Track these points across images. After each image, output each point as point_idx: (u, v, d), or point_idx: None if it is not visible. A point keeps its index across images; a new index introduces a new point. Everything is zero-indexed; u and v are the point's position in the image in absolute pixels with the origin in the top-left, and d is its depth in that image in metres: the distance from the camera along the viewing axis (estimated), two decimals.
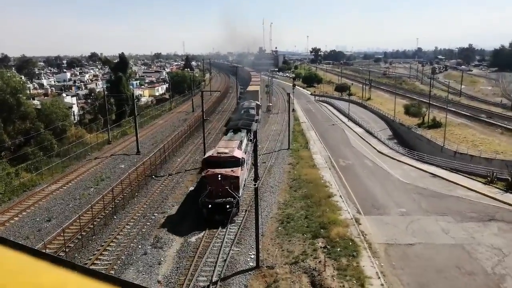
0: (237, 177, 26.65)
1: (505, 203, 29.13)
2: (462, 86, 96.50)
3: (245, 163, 30.73)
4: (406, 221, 26.32)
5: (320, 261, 20.81)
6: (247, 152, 33.09)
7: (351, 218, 26.39)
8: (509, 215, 27.18)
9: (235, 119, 44.88)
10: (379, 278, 19.45)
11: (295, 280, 19.62)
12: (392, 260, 21.36)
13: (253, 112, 52.27)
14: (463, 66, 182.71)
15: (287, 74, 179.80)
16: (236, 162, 27.76)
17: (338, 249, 22.05)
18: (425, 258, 21.51)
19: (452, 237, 23.94)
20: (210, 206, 25.59)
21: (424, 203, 29.55)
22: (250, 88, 77.64)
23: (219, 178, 25.88)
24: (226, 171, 26.61)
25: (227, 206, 25.59)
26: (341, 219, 26.17)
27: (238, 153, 28.88)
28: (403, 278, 19.66)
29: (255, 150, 21.44)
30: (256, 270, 20.61)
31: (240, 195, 27.38)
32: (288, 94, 58.95)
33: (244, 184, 30.58)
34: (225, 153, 28.37)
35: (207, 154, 29.72)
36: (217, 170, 26.47)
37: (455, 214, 27.18)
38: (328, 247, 22.40)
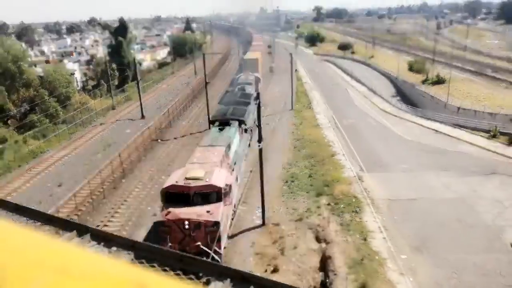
0: (217, 223, 16.46)
1: (507, 156, 29.42)
2: (468, 41, 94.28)
3: (232, 190, 19.87)
4: (408, 177, 26.78)
5: (324, 218, 21.48)
6: (237, 164, 24.16)
7: (354, 176, 26.88)
8: (511, 168, 27.53)
9: (225, 103, 34.08)
10: (381, 232, 20.13)
11: (300, 235, 20.35)
12: (394, 215, 21.99)
13: (250, 90, 39.89)
14: (469, 20, 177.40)
15: (289, 34, 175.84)
16: (215, 195, 17.45)
17: (342, 206, 22.68)
18: (427, 212, 22.10)
19: (453, 191, 24.45)
20: None
21: (427, 159, 29.89)
22: (248, 55, 62.12)
23: (186, 227, 16.19)
24: (199, 212, 16.59)
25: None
26: (344, 177, 26.66)
27: (220, 177, 18.24)
28: (404, 232, 20.33)
29: (258, 111, 21.54)
30: (263, 228, 21.35)
31: (222, 249, 17.28)
32: (291, 54, 58.10)
33: (231, 224, 20.74)
34: (198, 178, 17.52)
35: (168, 182, 18.04)
36: (183, 212, 16.51)
37: (457, 169, 27.56)
38: (332, 204, 23.01)
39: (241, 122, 28.26)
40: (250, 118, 31.04)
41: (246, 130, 29.61)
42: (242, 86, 41.03)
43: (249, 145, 31.21)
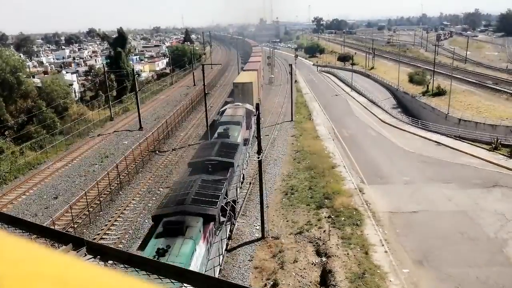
0: None
1: (509, 169, 29.09)
2: (468, 52, 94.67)
3: None
4: (410, 189, 26.43)
5: (324, 231, 21.08)
6: None
7: (355, 188, 26.53)
8: None
9: (192, 169, 22.88)
10: (382, 245, 19.72)
11: (300, 249, 19.93)
12: (396, 228, 21.59)
13: (237, 136, 29.14)
14: (468, 32, 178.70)
15: (289, 45, 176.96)
16: None
17: (342, 219, 22.29)
18: (429, 225, 21.71)
19: (455, 204, 24.08)
20: None
21: (428, 171, 29.57)
22: (241, 77, 46.40)
23: None
24: None
25: None
26: (345, 189, 26.31)
27: None
28: (406, 245, 19.92)
29: (258, 123, 21.28)
30: (262, 241, 20.94)
31: None
32: (290, 65, 58.17)
33: None
34: None
35: None
36: None
37: (459, 181, 27.23)
38: (333, 216, 22.62)
39: (209, 219, 16.36)
40: (232, 197, 21.36)
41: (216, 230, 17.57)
42: (226, 130, 28.84)
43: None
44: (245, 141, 31.52)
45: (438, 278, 17.38)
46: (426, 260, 18.64)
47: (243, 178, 27.42)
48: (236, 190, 23.64)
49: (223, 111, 35.86)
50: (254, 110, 32.96)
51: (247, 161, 30.06)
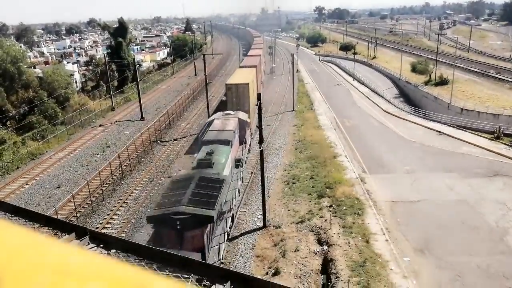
0: None
1: (511, 158, 29.05)
2: (471, 41, 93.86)
3: None
4: (411, 178, 26.44)
5: (326, 220, 21.16)
6: None
7: (357, 178, 26.56)
8: None
9: (155, 220, 15.90)
10: (383, 234, 19.80)
11: (301, 238, 20.04)
12: (397, 217, 21.65)
13: (223, 163, 21.31)
14: (472, 21, 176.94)
15: (290, 34, 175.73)
16: None
17: (344, 208, 22.35)
18: (430, 214, 21.76)
19: (457, 193, 24.11)
20: None
21: (430, 160, 29.55)
22: (235, 77, 38.38)
23: None
24: None
25: None
26: (347, 178, 26.35)
27: None
28: (407, 234, 19.99)
29: (259, 113, 21.24)
30: (263, 230, 21.05)
31: None
32: (292, 55, 57.82)
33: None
34: None
35: None
36: None
37: (460, 171, 27.22)
38: (334, 206, 22.69)
39: None
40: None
41: None
42: (209, 154, 21.18)
43: None
44: (237, 162, 24.61)
45: (438, 266, 17.48)
46: (427, 249, 18.73)
47: (232, 221, 20.88)
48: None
49: (210, 123, 27.42)
50: (248, 120, 29.94)
51: (239, 191, 23.52)
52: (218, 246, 17.23)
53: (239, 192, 23.83)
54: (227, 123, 26.85)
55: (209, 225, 15.93)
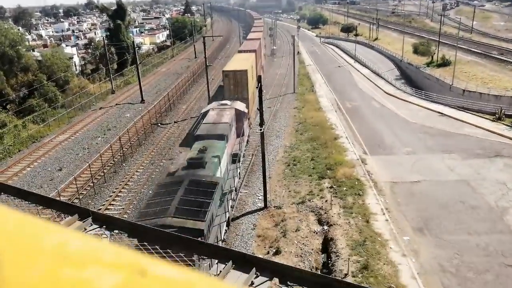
0: None
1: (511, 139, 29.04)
2: (474, 22, 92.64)
3: None
4: (412, 159, 26.50)
5: (326, 200, 21.31)
6: None
7: (357, 159, 26.62)
8: None
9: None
10: (383, 214, 19.96)
11: (302, 218, 20.22)
12: (397, 197, 21.79)
13: (217, 162, 18.97)
14: (475, 1, 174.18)
15: (291, 16, 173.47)
16: None
17: (344, 189, 22.48)
18: (430, 194, 21.89)
19: (457, 174, 24.19)
20: None
21: (431, 141, 29.55)
22: (233, 63, 35.81)
23: None
24: None
25: None
26: (347, 160, 26.41)
27: None
28: (407, 214, 20.15)
29: (260, 95, 21.14)
30: (265, 210, 21.23)
31: None
32: (293, 37, 57.18)
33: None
34: None
35: None
36: None
37: (461, 152, 27.25)
38: (335, 187, 22.82)
39: None
40: None
41: None
42: (202, 152, 18.98)
43: None
44: (234, 158, 23.13)
45: (438, 245, 17.68)
46: (427, 228, 18.91)
47: (228, 225, 19.26)
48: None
49: (204, 114, 25.59)
50: (246, 111, 27.55)
51: (235, 190, 21.64)
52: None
53: (236, 191, 21.79)
54: (222, 115, 24.36)
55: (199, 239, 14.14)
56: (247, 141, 28.79)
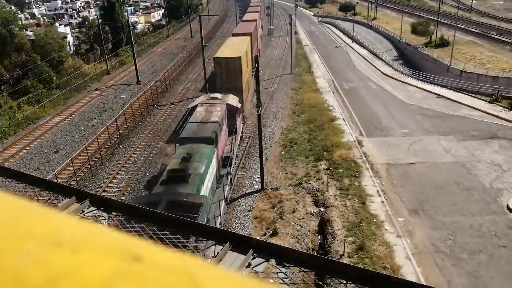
0: None
1: (508, 120, 29.14)
2: (473, 1, 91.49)
3: None
4: (408, 141, 26.60)
5: (323, 182, 21.47)
6: None
7: (354, 141, 26.69)
8: (511, 132, 27.33)
9: None
10: (379, 196, 20.17)
11: (299, 200, 20.41)
12: (393, 179, 21.97)
13: (203, 174, 16.19)
14: None
15: None
16: None
17: (341, 171, 22.62)
18: (425, 176, 22.08)
19: (452, 155, 24.35)
20: None
21: (427, 123, 29.61)
22: (225, 49, 32.02)
23: None
24: None
25: None
26: (344, 141, 26.48)
27: None
28: (403, 195, 20.37)
29: (256, 76, 20.98)
30: (261, 192, 21.38)
31: None
32: (290, 16, 56.35)
33: None
34: None
35: None
36: None
37: (457, 133, 27.36)
38: (331, 169, 22.95)
39: None
40: None
41: None
42: (186, 160, 16.42)
43: None
44: (225, 161, 20.54)
45: (432, 226, 17.95)
46: (422, 210, 19.15)
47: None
48: None
49: (191, 111, 22.63)
50: (239, 105, 24.66)
51: (225, 201, 19.08)
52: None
53: (225, 202, 19.17)
54: (212, 112, 21.36)
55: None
56: (241, 138, 26.64)
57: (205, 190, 15.77)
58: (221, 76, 28.54)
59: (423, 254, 16.18)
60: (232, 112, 23.38)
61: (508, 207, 18.86)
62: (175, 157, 17.37)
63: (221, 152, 20.18)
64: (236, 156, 23.80)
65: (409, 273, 15.06)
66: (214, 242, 4.13)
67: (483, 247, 16.50)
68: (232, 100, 24.26)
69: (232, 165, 21.49)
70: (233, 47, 32.11)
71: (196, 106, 22.71)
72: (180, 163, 16.18)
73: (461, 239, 17.02)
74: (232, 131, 22.71)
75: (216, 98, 23.82)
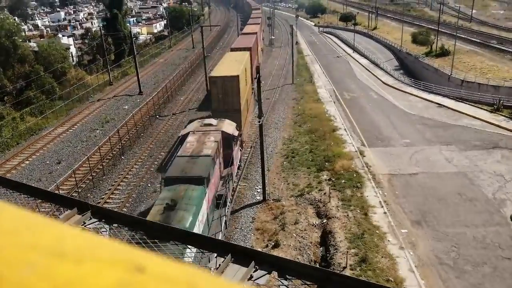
0: None
1: (509, 130, 29.10)
2: (473, 11, 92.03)
3: None
4: (410, 151, 26.56)
5: (325, 193, 21.41)
6: None
7: (356, 151, 26.67)
8: None
9: None
10: (382, 206, 20.08)
11: (301, 211, 20.33)
12: (395, 190, 21.90)
13: (190, 228, 13.07)
14: None
15: (289, 5, 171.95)
16: None
17: (343, 181, 22.56)
18: (428, 186, 22.00)
19: (455, 166, 24.28)
20: None
21: (429, 133, 29.59)
22: (222, 67, 29.17)
23: None
24: None
25: None
26: (346, 152, 26.45)
27: None
28: (405, 206, 20.28)
29: (258, 86, 21.04)
30: (263, 203, 21.32)
31: None
32: (291, 26, 56.70)
33: None
34: None
35: None
36: None
37: (459, 143, 27.32)
38: (333, 179, 22.90)
39: None
40: None
41: None
42: (168, 209, 14.01)
43: None
44: (218, 201, 18.11)
45: (435, 237, 17.83)
46: (424, 221, 19.05)
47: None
48: None
49: (183, 139, 19.99)
50: (236, 133, 22.15)
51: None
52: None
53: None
54: (205, 142, 18.80)
55: None
56: (239, 166, 24.50)
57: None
58: (217, 97, 25.75)
59: (426, 266, 16.04)
60: (228, 141, 20.81)
61: (511, 218, 18.74)
62: (157, 203, 14.70)
63: (214, 190, 17.90)
64: (232, 195, 21.53)
65: (413, 286, 14.93)
66: (216, 254, 4.13)
67: (487, 259, 16.36)
68: (229, 126, 21.61)
69: (227, 206, 19.29)
70: (231, 64, 29.49)
71: (187, 135, 19.97)
72: (162, 213, 13.75)
73: (464, 250, 16.88)
74: (228, 163, 20.47)
75: (210, 124, 21.24)
